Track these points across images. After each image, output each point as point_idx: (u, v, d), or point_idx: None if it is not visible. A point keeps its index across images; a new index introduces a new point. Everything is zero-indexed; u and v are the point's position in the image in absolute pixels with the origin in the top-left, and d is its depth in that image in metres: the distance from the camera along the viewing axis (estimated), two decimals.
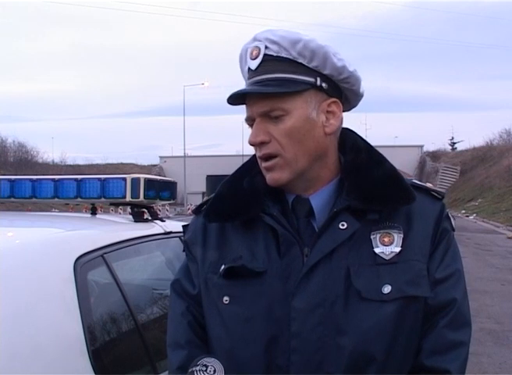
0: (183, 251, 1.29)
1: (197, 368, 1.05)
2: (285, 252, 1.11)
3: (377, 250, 1.09)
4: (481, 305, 7.04)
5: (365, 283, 1.07)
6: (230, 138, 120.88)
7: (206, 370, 1.05)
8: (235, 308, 1.12)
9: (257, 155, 1.15)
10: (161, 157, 52.26)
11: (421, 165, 47.09)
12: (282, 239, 1.11)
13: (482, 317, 6.39)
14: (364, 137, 1.22)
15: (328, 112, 1.14)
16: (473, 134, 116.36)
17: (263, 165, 1.14)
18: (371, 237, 1.10)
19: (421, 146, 49.66)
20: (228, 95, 1.13)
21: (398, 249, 1.09)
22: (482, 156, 40.85)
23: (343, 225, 1.10)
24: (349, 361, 1.05)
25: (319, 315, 1.06)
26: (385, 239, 1.10)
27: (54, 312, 1.38)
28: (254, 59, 1.13)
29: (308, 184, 1.15)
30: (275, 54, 1.11)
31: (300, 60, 1.11)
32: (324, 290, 1.07)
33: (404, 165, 37.79)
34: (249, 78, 1.15)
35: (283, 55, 1.11)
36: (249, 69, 1.14)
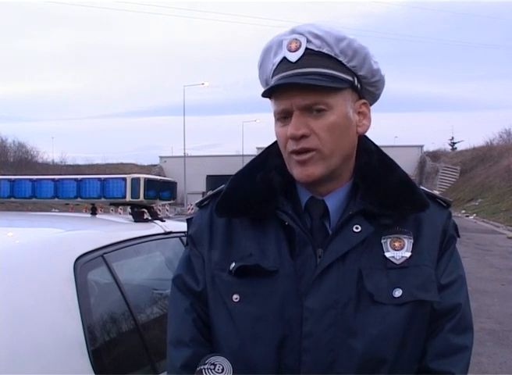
0: (186, 245, 1.26)
1: (206, 366, 1.04)
2: (299, 252, 1.10)
3: (388, 254, 1.10)
4: (481, 305, 7.03)
5: (377, 286, 1.07)
6: (230, 138, 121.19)
7: (214, 369, 1.04)
8: (246, 307, 1.11)
9: (292, 148, 1.09)
10: (161, 157, 52.23)
11: (421, 165, 47.07)
12: (298, 238, 1.11)
13: (482, 317, 6.38)
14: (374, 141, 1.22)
15: (359, 113, 1.14)
16: (473, 134, 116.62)
17: (296, 158, 1.10)
18: (382, 241, 1.11)
19: (421, 146, 49.67)
20: (269, 86, 1.11)
21: (408, 254, 1.10)
22: (482, 156, 40.82)
23: (357, 228, 1.10)
24: (360, 363, 1.05)
25: (332, 316, 1.06)
26: (396, 244, 1.11)
27: (54, 312, 1.37)
28: (294, 51, 1.10)
29: (328, 184, 1.14)
30: (316, 48, 1.10)
31: (341, 58, 1.10)
32: (337, 291, 1.07)
33: (404, 165, 37.04)
34: (284, 70, 1.11)
35: (325, 50, 1.10)
36: (284, 60, 1.11)
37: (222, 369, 1.04)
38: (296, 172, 1.11)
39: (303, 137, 1.08)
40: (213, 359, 1.05)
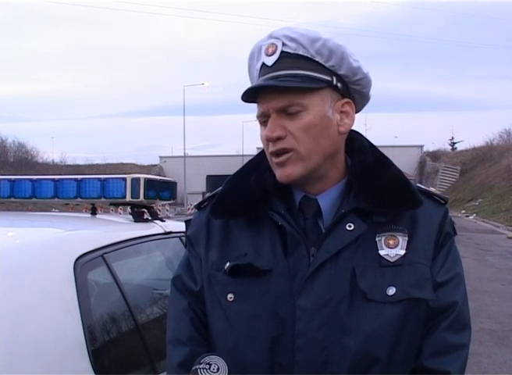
0: (185, 246, 1.28)
1: (201, 366, 1.04)
2: (291, 251, 1.11)
3: (382, 252, 1.10)
4: (481, 305, 7.04)
5: (370, 284, 1.07)
6: (230, 138, 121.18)
7: (209, 368, 1.04)
8: (240, 306, 1.11)
9: (270, 150, 1.12)
10: (161, 157, 52.26)
11: (421, 165, 47.11)
12: (289, 238, 1.11)
13: (482, 317, 6.39)
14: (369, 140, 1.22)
15: (342, 112, 1.14)
16: (473, 134, 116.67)
17: (275, 160, 1.12)
18: (377, 239, 1.11)
19: (421, 146, 49.71)
20: (243, 91, 1.11)
21: (403, 252, 1.10)
22: (482, 156, 40.85)
23: (350, 226, 1.10)
24: (353, 361, 1.05)
25: (325, 315, 1.06)
26: (390, 241, 1.11)
27: (54, 312, 1.38)
28: (271, 56, 1.11)
29: (317, 183, 1.15)
30: (292, 51, 1.10)
31: (318, 59, 1.11)
32: (329, 290, 1.07)
33: (404, 165, 37.74)
34: (263, 74, 1.13)
35: (301, 52, 1.11)
36: (263, 65, 1.13)
37: (218, 369, 1.04)
38: (277, 173, 1.13)
39: (279, 139, 1.10)
40: (208, 359, 1.05)
